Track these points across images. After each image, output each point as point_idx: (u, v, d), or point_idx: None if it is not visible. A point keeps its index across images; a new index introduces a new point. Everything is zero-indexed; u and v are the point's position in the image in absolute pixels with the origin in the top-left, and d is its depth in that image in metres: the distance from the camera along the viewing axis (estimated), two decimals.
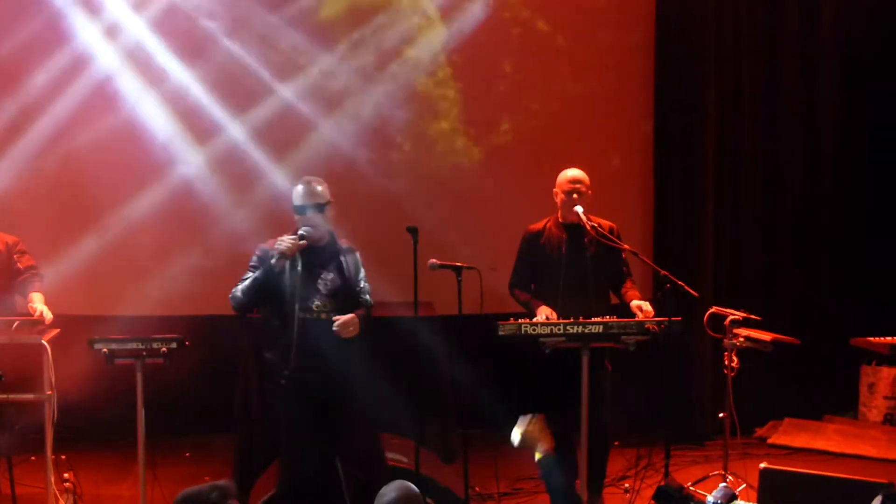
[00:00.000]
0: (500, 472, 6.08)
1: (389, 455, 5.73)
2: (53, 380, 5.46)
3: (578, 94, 7.88)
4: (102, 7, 7.24)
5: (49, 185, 7.32)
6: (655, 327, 5.60)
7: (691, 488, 6.22)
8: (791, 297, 8.00)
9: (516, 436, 4.16)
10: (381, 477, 5.51)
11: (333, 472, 5.49)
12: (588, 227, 5.77)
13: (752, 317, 6.06)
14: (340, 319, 5.18)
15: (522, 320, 5.68)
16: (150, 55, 7.32)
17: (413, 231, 5.41)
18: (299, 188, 5.29)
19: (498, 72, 7.83)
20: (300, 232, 5.22)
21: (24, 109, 7.25)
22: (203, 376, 6.94)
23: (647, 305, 5.72)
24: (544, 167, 7.44)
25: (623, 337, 5.62)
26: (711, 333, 6.16)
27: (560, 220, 5.98)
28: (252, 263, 5.31)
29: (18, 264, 5.94)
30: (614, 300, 6.04)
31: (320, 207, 5.25)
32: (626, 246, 5.87)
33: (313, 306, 5.23)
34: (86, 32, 7.24)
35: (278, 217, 6.81)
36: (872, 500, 3.71)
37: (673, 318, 5.57)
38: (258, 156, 7.41)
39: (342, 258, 5.35)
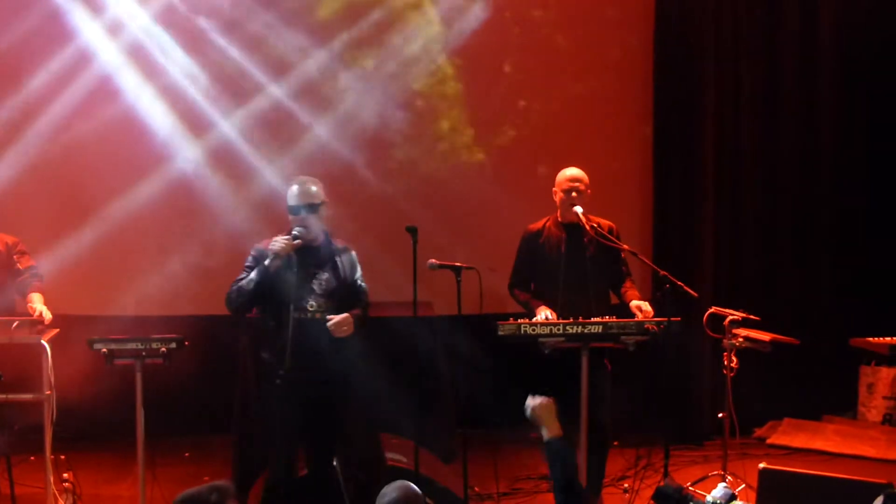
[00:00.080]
0: (500, 472, 6.08)
1: (389, 455, 5.73)
2: (53, 380, 5.46)
3: (578, 94, 7.88)
4: (102, 4, 7.23)
5: (48, 185, 7.30)
6: (655, 327, 5.60)
7: (690, 488, 6.22)
8: (790, 298, 8.00)
9: (528, 408, 4.18)
10: (380, 477, 5.52)
11: (332, 473, 5.49)
12: (587, 227, 5.76)
13: (752, 317, 6.06)
14: (334, 319, 5.18)
15: (522, 320, 5.69)
16: (150, 50, 7.32)
17: (412, 231, 5.41)
18: (293, 188, 5.30)
19: (498, 72, 7.83)
20: (294, 232, 5.23)
21: (22, 108, 7.24)
22: (203, 376, 6.93)
23: (646, 305, 5.72)
24: (544, 167, 7.46)
25: (622, 337, 5.62)
26: (711, 333, 6.16)
27: (559, 219, 5.98)
28: (248, 264, 5.31)
29: (18, 265, 5.95)
30: (614, 300, 6.04)
31: (314, 207, 5.26)
32: (625, 246, 5.87)
33: (308, 306, 5.23)
34: (86, 29, 7.23)
35: (279, 216, 6.80)
36: (872, 500, 3.71)
37: (672, 319, 5.58)
38: (259, 155, 7.40)
39: (337, 258, 5.36)
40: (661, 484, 4.07)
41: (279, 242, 5.17)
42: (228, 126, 7.42)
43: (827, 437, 7.59)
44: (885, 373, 7.85)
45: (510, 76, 7.84)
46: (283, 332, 5.14)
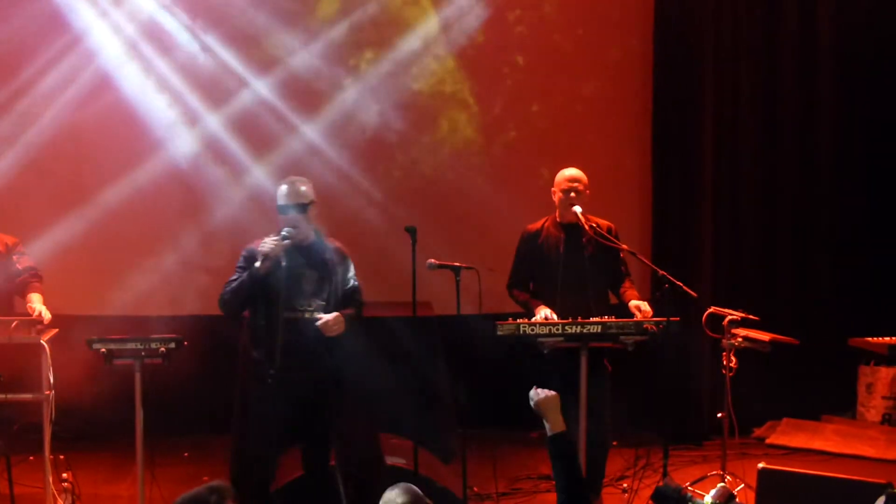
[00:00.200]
0: (499, 472, 6.09)
1: (388, 458, 5.72)
2: (52, 380, 5.46)
3: (578, 94, 7.89)
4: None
5: (48, 183, 7.31)
6: (654, 327, 5.60)
7: (689, 488, 6.21)
8: (789, 298, 8.00)
9: (532, 400, 4.17)
10: (379, 477, 5.53)
11: (330, 473, 5.49)
12: (586, 227, 5.77)
13: (751, 317, 6.06)
14: (323, 318, 5.18)
15: (521, 320, 5.68)
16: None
17: (412, 231, 5.41)
18: (283, 188, 5.30)
19: (498, 72, 7.83)
20: (283, 233, 5.22)
21: (20, 107, 7.25)
22: (202, 376, 6.94)
23: (645, 305, 5.73)
24: (543, 167, 7.46)
25: (621, 337, 5.62)
26: (710, 333, 6.16)
27: (558, 219, 5.98)
28: (239, 265, 5.31)
29: (17, 265, 5.94)
30: (613, 300, 6.04)
31: (303, 207, 5.26)
32: (624, 246, 5.87)
33: (298, 306, 5.23)
34: (83, 22, 7.23)
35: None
36: (871, 500, 3.71)
37: (671, 318, 5.58)
38: (260, 154, 7.40)
39: (328, 257, 5.35)
40: (660, 484, 4.06)
41: (268, 244, 5.17)
42: (230, 126, 7.42)
43: (826, 437, 7.59)
44: (885, 373, 7.85)
45: (510, 76, 7.85)
46: (274, 332, 5.15)
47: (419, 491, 3.60)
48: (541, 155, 7.72)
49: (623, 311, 5.81)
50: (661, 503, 3.97)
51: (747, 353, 6.07)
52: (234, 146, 7.42)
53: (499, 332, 5.62)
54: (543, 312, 5.73)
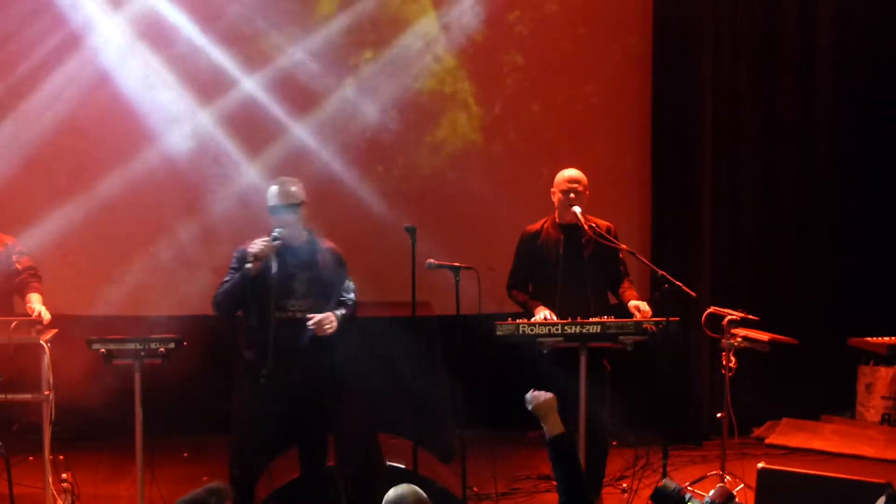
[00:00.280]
0: (498, 472, 6.09)
1: (388, 462, 5.71)
2: (52, 380, 5.46)
3: (578, 94, 7.89)
4: None
5: (48, 183, 7.31)
6: (653, 327, 5.60)
7: (689, 488, 6.22)
8: (789, 297, 8.00)
9: (529, 402, 4.17)
10: (379, 477, 5.52)
11: (329, 473, 5.48)
12: (586, 228, 5.77)
13: (750, 317, 6.06)
14: (315, 318, 5.17)
15: (520, 320, 5.69)
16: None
17: (411, 231, 5.41)
18: (272, 189, 5.30)
19: (498, 72, 7.83)
20: (273, 233, 5.22)
21: (17, 103, 7.25)
22: (201, 376, 6.93)
23: (644, 305, 5.73)
24: (543, 167, 7.46)
25: (621, 337, 5.63)
26: (709, 333, 6.16)
27: (557, 220, 5.98)
28: (232, 266, 5.32)
29: (17, 265, 5.94)
30: (613, 300, 6.04)
31: (293, 208, 5.25)
32: (623, 246, 5.87)
33: (289, 306, 5.23)
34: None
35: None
36: (870, 499, 3.72)
37: (670, 318, 5.58)
38: (259, 154, 7.40)
39: (320, 257, 5.34)
40: (660, 484, 4.06)
41: (258, 245, 5.17)
42: (229, 125, 7.42)
43: (825, 437, 7.59)
44: (884, 373, 7.85)
45: (510, 76, 7.85)
46: (266, 332, 5.15)
47: (421, 491, 3.60)
48: (540, 155, 7.72)
49: (622, 311, 5.81)
50: (660, 503, 3.97)
51: (747, 352, 6.08)
52: (234, 145, 7.41)
53: (498, 333, 5.63)
54: (543, 313, 5.73)
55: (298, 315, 5.21)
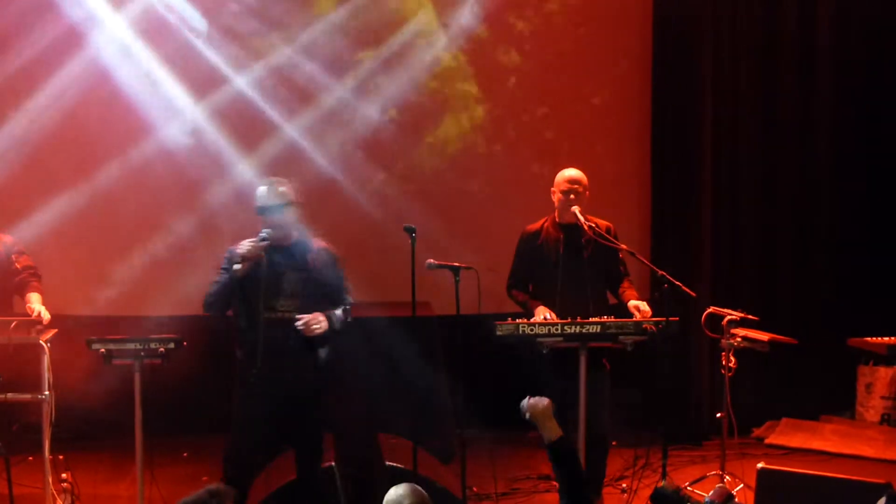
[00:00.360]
0: (498, 472, 6.08)
1: (388, 463, 5.71)
2: (51, 380, 5.46)
3: (577, 95, 7.89)
4: None
5: (47, 182, 7.31)
6: (653, 327, 5.60)
7: (688, 488, 6.23)
8: (789, 298, 8.00)
9: (524, 409, 4.16)
10: (378, 476, 5.52)
11: (328, 473, 5.47)
12: (585, 227, 5.76)
13: (750, 317, 6.06)
14: (303, 318, 5.17)
15: (520, 320, 5.69)
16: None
17: (411, 231, 5.41)
18: (261, 189, 5.29)
19: (497, 72, 7.83)
20: (262, 234, 5.22)
21: (15, 101, 7.26)
22: (201, 376, 6.93)
23: (644, 305, 5.73)
24: (543, 167, 7.47)
25: (620, 337, 5.63)
26: (709, 333, 6.16)
27: (557, 220, 5.98)
28: (223, 266, 5.30)
29: (16, 264, 5.94)
30: (612, 300, 6.04)
31: (282, 208, 5.24)
32: (623, 246, 5.86)
33: (278, 306, 5.22)
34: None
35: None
36: (870, 499, 3.71)
37: (670, 318, 5.58)
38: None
39: (310, 257, 5.33)
40: (659, 485, 4.06)
41: (244, 246, 5.16)
42: (229, 125, 7.41)
43: (825, 437, 7.59)
44: (883, 373, 7.85)
45: (510, 77, 7.85)
46: (255, 333, 5.15)
47: (422, 490, 3.60)
48: (540, 155, 7.72)
49: (622, 311, 5.81)
50: None
51: (746, 353, 6.08)
52: (235, 145, 7.41)
53: (498, 333, 5.63)
54: (543, 313, 5.73)
55: (287, 315, 5.19)
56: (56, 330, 5.64)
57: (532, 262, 6.00)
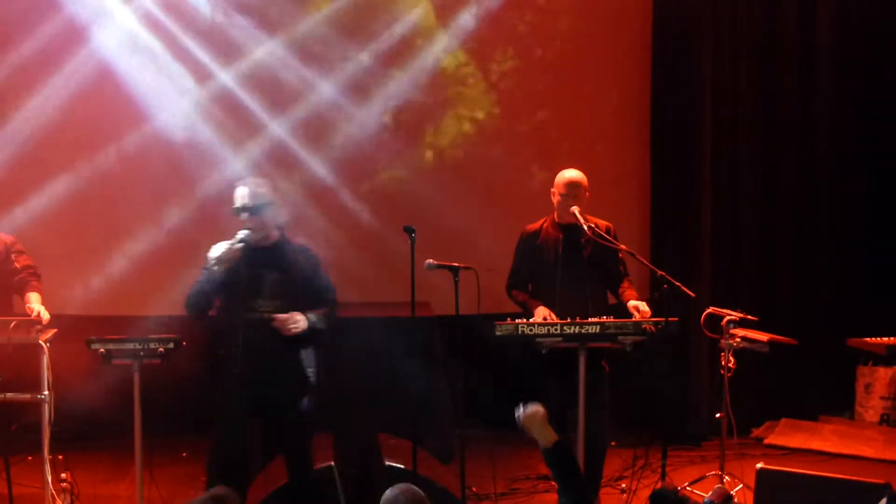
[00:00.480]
0: (498, 472, 6.08)
1: (388, 463, 5.71)
2: (51, 380, 5.46)
3: (577, 95, 7.89)
4: None
5: (46, 181, 7.31)
6: (652, 328, 5.59)
7: (688, 489, 6.23)
8: (788, 298, 8.01)
9: (518, 418, 4.15)
10: (378, 476, 5.52)
11: (317, 476, 5.46)
12: (585, 228, 5.76)
13: (749, 317, 6.06)
14: (279, 318, 5.16)
15: (519, 320, 5.68)
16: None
17: (410, 231, 5.41)
18: (238, 190, 5.27)
19: (497, 72, 7.83)
20: (238, 235, 5.21)
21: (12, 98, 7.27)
22: (200, 376, 6.92)
23: (643, 306, 5.72)
24: (543, 167, 7.47)
25: (620, 337, 5.62)
26: (708, 334, 6.16)
27: (557, 220, 5.97)
28: (205, 266, 5.28)
29: (16, 264, 5.93)
30: (612, 300, 6.04)
31: (259, 209, 5.22)
32: (622, 246, 5.85)
33: (257, 307, 5.21)
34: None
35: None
36: (870, 500, 3.71)
37: (670, 319, 5.57)
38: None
39: (291, 258, 5.32)
40: (658, 486, 4.07)
41: (220, 248, 5.16)
42: (229, 124, 7.42)
43: (824, 438, 7.59)
44: (883, 373, 7.85)
45: (509, 76, 7.85)
46: (235, 333, 5.15)
47: (420, 491, 3.60)
48: (540, 155, 7.73)
49: (622, 311, 5.80)
50: None
51: (746, 353, 6.07)
52: (233, 145, 7.42)
53: (497, 333, 5.62)
54: (542, 313, 5.73)
55: (266, 316, 5.18)
56: (56, 330, 5.63)
57: (531, 261, 5.99)
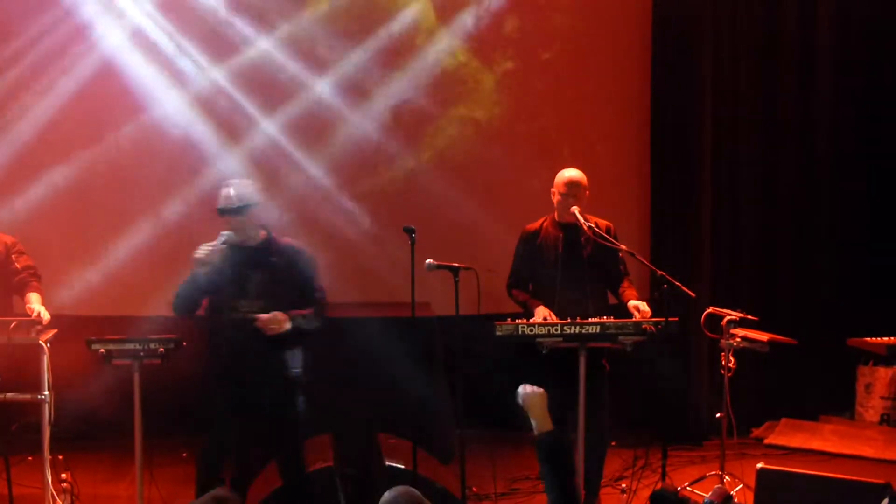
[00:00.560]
0: (498, 472, 6.08)
1: (388, 463, 5.71)
2: (51, 380, 5.46)
3: (577, 94, 7.89)
4: None
5: (46, 180, 7.31)
6: (652, 328, 5.59)
7: (688, 489, 6.23)
8: (788, 298, 8.00)
9: (519, 396, 4.15)
10: (377, 476, 5.52)
11: (310, 478, 5.45)
12: (585, 227, 5.76)
13: (749, 317, 6.06)
14: (262, 318, 5.15)
15: (520, 320, 5.68)
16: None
17: (410, 231, 5.41)
18: (223, 191, 5.27)
19: (496, 72, 7.83)
20: (221, 236, 5.21)
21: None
22: (201, 376, 6.92)
23: (644, 305, 5.72)
24: (542, 167, 7.45)
25: (620, 337, 5.62)
26: (708, 334, 6.16)
27: (557, 219, 5.98)
28: (192, 268, 5.30)
29: (16, 264, 5.93)
30: (612, 300, 6.04)
31: (241, 210, 5.22)
32: (622, 246, 5.85)
33: (242, 307, 5.21)
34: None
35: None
36: (869, 500, 3.71)
37: (670, 319, 5.57)
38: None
39: (276, 257, 5.31)
40: (658, 487, 4.06)
41: (202, 250, 5.15)
42: (229, 124, 7.42)
43: (824, 438, 7.59)
44: (883, 373, 7.85)
45: (509, 77, 7.85)
46: (220, 334, 5.17)
47: (418, 493, 3.59)
48: (540, 155, 7.72)
49: (622, 311, 5.80)
50: None
51: (746, 353, 6.07)
52: (234, 145, 7.42)
53: (497, 333, 5.62)
54: (542, 313, 5.73)
55: (249, 316, 5.18)
56: (56, 330, 5.64)
57: (532, 261, 5.99)
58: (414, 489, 3.62)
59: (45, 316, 5.62)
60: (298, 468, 5.39)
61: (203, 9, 7.37)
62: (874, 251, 8.12)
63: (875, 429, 7.76)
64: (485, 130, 7.83)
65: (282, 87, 7.49)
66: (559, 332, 5.60)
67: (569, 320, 5.62)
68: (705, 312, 6.14)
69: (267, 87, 7.48)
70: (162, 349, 5.43)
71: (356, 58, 7.61)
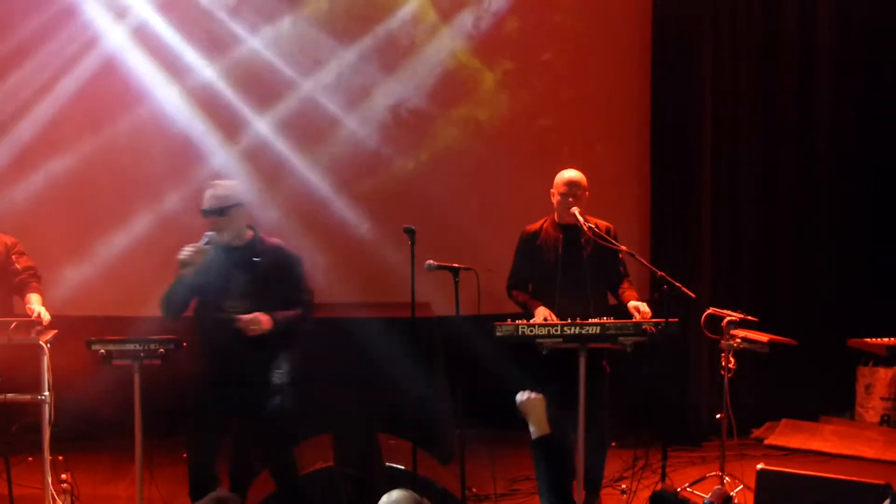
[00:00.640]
0: (498, 472, 6.09)
1: (388, 463, 5.71)
2: (51, 380, 5.46)
3: (576, 95, 7.89)
4: None
5: (52, 183, 7.31)
6: (652, 328, 5.58)
7: (688, 489, 6.23)
8: (788, 298, 8.01)
9: (518, 401, 4.17)
10: (378, 476, 5.52)
11: (304, 480, 5.45)
12: (585, 228, 5.76)
13: (749, 318, 6.06)
14: (243, 318, 5.15)
15: (520, 321, 5.68)
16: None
17: (410, 232, 5.41)
18: (206, 192, 5.29)
19: (496, 73, 7.83)
20: (205, 237, 5.22)
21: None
22: (200, 377, 6.92)
23: (644, 306, 5.72)
24: (542, 167, 7.44)
25: (620, 338, 5.61)
26: (708, 334, 6.16)
27: (557, 220, 5.98)
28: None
29: (16, 265, 5.94)
30: (612, 301, 6.04)
31: (224, 211, 5.23)
32: (622, 246, 5.85)
33: (226, 307, 5.22)
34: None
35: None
36: (869, 500, 3.71)
37: (670, 319, 5.56)
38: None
39: (261, 258, 5.31)
40: (658, 487, 4.06)
41: (186, 251, 5.16)
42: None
43: (825, 438, 7.59)
44: (883, 373, 7.85)
45: (508, 78, 7.84)
46: (206, 334, 5.20)
47: (417, 496, 3.59)
48: (540, 155, 7.71)
49: (622, 311, 5.80)
50: None
51: (746, 353, 6.08)
52: (233, 145, 7.42)
53: (497, 333, 5.62)
54: (543, 314, 5.73)
55: (231, 316, 5.18)
56: (56, 331, 5.64)
57: (532, 262, 6.00)
58: (413, 492, 3.62)
59: (46, 316, 5.62)
60: (288, 471, 5.40)
61: (204, 8, 7.38)
62: (874, 251, 8.12)
63: (875, 429, 7.76)
64: (485, 130, 7.83)
65: (282, 86, 7.50)
66: (559, 332, 5.60)
67: (569, 321, 5.61)
68: (705, 313, 6.14)
69: (267, 86, 7.48)
70: (162, 350, 5.43)
71: (356, 57, 7.62)
